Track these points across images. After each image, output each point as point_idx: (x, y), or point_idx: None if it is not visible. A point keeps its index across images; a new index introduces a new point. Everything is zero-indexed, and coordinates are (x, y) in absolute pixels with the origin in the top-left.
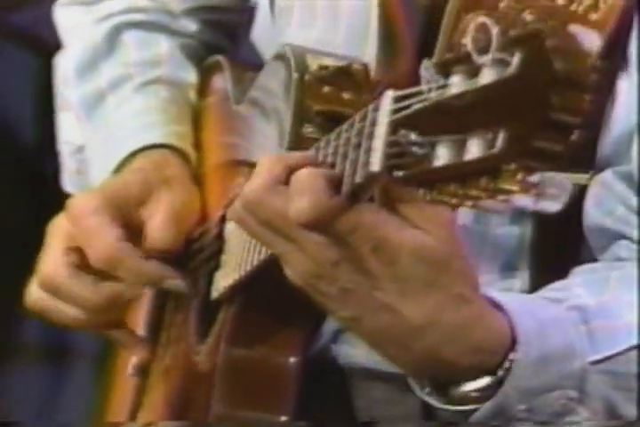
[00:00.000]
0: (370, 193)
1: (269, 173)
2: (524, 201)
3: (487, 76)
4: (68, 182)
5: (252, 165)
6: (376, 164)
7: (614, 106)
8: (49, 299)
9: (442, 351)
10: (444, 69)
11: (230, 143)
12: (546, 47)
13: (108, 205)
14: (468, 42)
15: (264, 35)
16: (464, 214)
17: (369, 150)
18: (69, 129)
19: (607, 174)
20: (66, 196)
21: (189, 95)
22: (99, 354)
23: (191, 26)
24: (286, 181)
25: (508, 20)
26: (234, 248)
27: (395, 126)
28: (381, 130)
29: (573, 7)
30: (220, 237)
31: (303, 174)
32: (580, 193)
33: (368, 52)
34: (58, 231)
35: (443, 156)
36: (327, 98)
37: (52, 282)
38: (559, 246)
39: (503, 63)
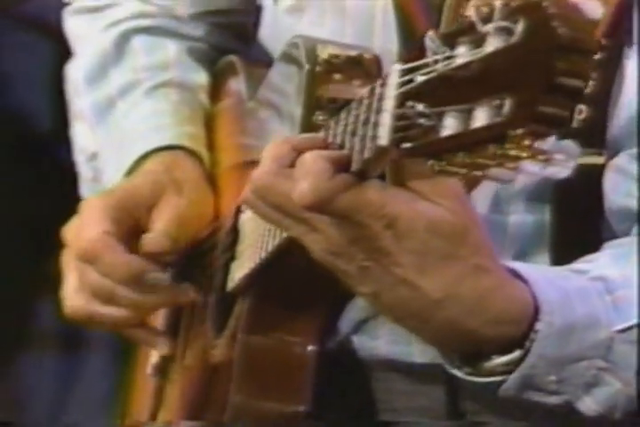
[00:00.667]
0: (380, 169)
1: (276, 156)
2: (533, 167)
3: (492, 45)
4: (85, 190)
5: None
6: (384, 137)
7: (622, 87)
8: (90, 304)
9: (463, 323)
10: (450, 41)
11: (245, 144)
12: (549, 14)
13: (116, 206)
14: (471, 12)
15: (272, 34)
16: (480, 203)
17: (377, 124)
18: (83, 137)
19: (620, 158)
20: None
21: (200, 97)
22: (115, 342)
23: (199, 29)
24: (293, 164)
25: None
26: (248, 238)
27: (402, 99)
28: (389, 103)
29: None
30: (234, 229)
31: (307, 157)
32: (597, 177)
33: (375, 47)
34: (71, 234)
35: (450, 126)
36: (338, 86)
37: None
38: (579, 233)
39: (507, 31)
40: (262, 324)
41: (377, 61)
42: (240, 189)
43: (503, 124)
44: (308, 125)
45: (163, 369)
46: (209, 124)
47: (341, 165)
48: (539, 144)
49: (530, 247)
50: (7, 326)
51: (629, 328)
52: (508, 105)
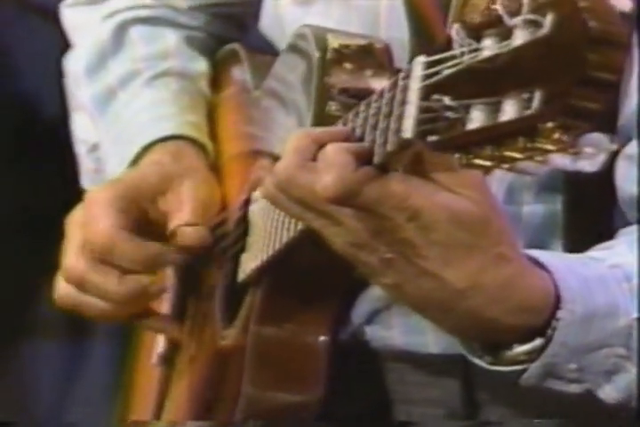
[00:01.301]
0: (403, 162)
1: (297, 150)
2: (562, 161)
3: (520, 38)
4: (86, 181)
5: (270, 156)
6: (409, 130)
7: (632, 75)
8: (77, 293)
9: (486, 312)
10: (476, 33)
11: (249, 133)
12: (578, 6)
13: (121, 196)
14: (498, 5)
15: (275, 24)
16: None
17: (401, 117)
18: (84, 128)
19: (630, 147)
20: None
21: (201, 86)
22: (119, 329)
23: (198, 19)
24: (315, 157)
25: None
26: (260, 230)
27: (427, 92)
28: (413, 96)
29: None
30: (244, 220)
31: (329, 150)
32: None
33: (381, 36)
34: (75, 224)
35: (477, 118)
36: (350, 75)
37: (77, 277)
38: (591, 222)
39: (535, 24)
40: (275, 315)
41: (388, 51)
42: (246, 179)
43: (534, 117)
44: (321, 116)
45: (168, 359)
46: (211, 112)
47: (363, 158)
48: (569, 137)
49: (543, 237)
50: (8, 319)
51: None
52: (537, 98)
